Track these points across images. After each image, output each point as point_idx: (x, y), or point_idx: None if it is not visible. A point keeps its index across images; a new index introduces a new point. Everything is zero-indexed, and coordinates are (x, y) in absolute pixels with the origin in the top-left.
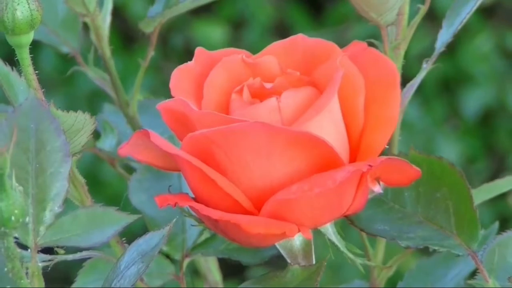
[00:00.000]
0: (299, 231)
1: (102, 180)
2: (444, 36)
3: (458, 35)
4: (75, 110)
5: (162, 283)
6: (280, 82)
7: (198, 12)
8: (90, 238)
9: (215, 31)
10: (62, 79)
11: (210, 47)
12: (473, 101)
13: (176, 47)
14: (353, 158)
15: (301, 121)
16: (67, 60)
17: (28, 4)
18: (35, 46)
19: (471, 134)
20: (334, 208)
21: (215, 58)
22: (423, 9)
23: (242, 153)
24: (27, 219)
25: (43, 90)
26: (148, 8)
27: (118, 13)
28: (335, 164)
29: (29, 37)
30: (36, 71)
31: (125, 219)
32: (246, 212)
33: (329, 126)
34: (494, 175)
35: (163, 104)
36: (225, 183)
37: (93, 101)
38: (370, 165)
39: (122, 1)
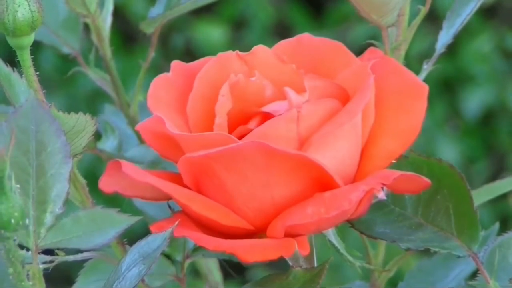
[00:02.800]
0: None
1: None
2: (444, 37)
3: (459, 36)
4: (76, 111)
5: (162, 284)
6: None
7: (199, 12)
8: (91, 240)
9: (215, 31)
10: (62, 80)
11: (211, 47)
12: (474, 101)
13: (176, 48)
14: (362, 162)
15: (320, 135)
16: (67, 61)
17: (29, 5)
18: (35, 47)
19: (472, 135)
20: (340, 219)
21: (192, 69)
22: (424, 10)
23: (242, 170)
24: (27, 221)
25: (44, 91)
26: (148, 9)
27: (118, 14)
28: (333, 184)
29: (30, 39)
30: (37, 72)
31: (126, 220)
32: (243, 229)
33: (347, 139)
34: (495, 175)
35: (142, 125)
36: (200, 207)
37: (93, 102)
38: (383, 184)
39: (122, 2)
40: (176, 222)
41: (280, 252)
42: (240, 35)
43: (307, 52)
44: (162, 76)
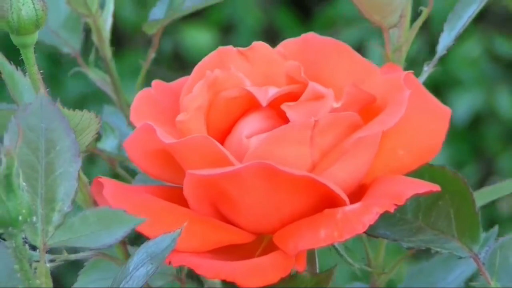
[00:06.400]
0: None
1: None
2: (446, 39)
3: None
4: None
5: (163, 284)
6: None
7: (187, 17)
8: (98, 239)
9: (204, 35)
10: (51, 82)
11: (199, 51)
12: (462, 105)
13: (165, 52)
14: (373, 168)
15: (344, 148)
16: (55, 64)
17: (33, 4)
18: None
19: (460, 139)
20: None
21: (173, 88)
22: (425, 11)
23: (247, 188)
24: (34, 218)
25: (47, 90)
26: (136, 13)
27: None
28: (341, 201)
29: (34, 37)
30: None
31: (134, 220)
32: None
33: (369, 151)
34: (483, 179)
35: (129, 140)
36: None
37: (81, 106)
38: (396, 205)
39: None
40: (185, 224)
41: (280, 274)
42: (228, 39)
43: (313, 51)
44: (145, 91)
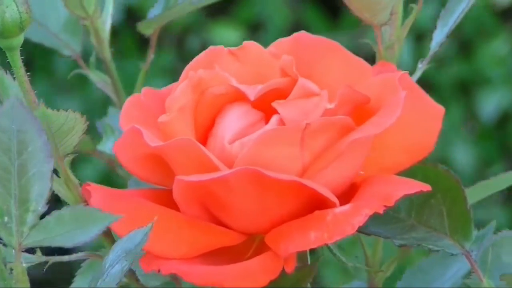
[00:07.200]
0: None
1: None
2: (439, 36)
3: (475, 39)
4: (90, 115)
5: (159, 284)
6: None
7: (215, 14)
8: (73, 237)
9: (231, 33)
10: (76, 83)
11: None
12: (490, 104)
13: (192, 50)
14: (366, 167)
15: (339, 149)
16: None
17: (17, 6)
18: (50, 50)
19: (488, 137)
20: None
21: (162, 94)
22: (416, 8)
23: (235, 192)
24: (6, 219)
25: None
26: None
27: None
28: (331, 203)
29: (19, 40)
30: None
31: (109, 218)
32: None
33: (362, 153)
34: None
35: (118, 143)
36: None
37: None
38: (386, 206)
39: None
40: (155, 218)
41: (270, 277)
42: (256, 37)
43: (305, 50)
44: (134, 97)
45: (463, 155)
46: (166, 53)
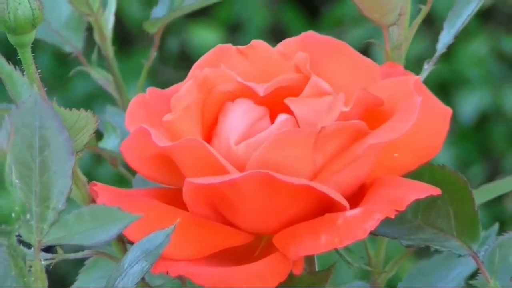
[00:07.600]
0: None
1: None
2: (445, 38)
3: (454, 39)
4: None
5: (163, 282)
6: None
7: (194, 15)
8: (93, 236)
9: (211, 34)
10: (57, 82)
11: (206, 50)
12: (469, 105)
13: (171, 51)
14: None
15: (355, 154)
16: (62, 63)
17: (29, 3)
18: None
19: (467, 138)
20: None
21: (167, 94)
22: (424, 9)
23: (246, 194)
24: (28, 216)
25: (45, 89)
26: (144, 12)
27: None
28: (341, 206)
29: (31, 36)
30: (38, 70)
31: (129, 218)
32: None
33: (374, 157)
34: (490, 179)
35: (125, 144)
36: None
37: (89, 105)
38: (397, 211)
39: (118, 4)
40: (177, 220)
41: (278, 279)
42: (235, 39)
43: (312, 50)
44: (139, 97)
45: (442, 156)
46: (145, 53)
